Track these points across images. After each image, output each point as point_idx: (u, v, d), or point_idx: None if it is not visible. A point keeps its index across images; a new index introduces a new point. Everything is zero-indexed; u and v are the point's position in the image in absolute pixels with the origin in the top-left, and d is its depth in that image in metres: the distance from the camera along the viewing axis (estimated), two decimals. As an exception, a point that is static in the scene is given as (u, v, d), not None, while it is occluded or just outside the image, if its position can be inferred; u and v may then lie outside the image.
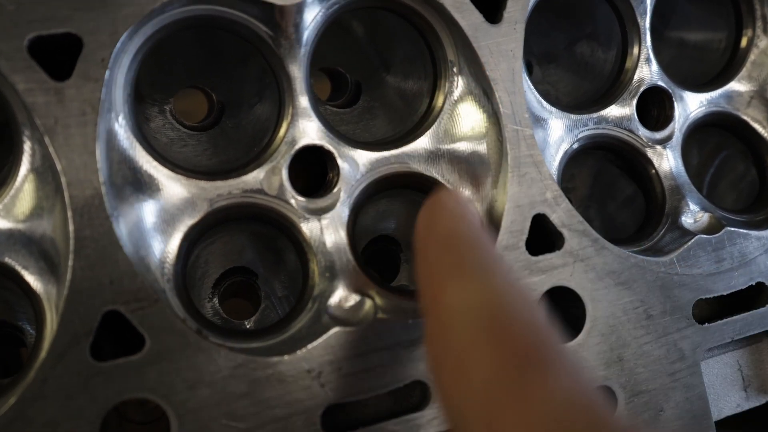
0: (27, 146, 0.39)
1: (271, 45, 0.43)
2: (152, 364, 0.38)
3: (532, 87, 0.49)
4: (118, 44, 0.39)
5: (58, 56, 0.38)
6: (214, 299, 0.49)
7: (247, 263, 0.50)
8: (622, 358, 0.46)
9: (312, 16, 0.43)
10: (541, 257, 0.45)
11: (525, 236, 0.45)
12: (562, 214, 0.46)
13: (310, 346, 0.41)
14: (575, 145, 0.51)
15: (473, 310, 0.30)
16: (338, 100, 0.56)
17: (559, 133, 0.50)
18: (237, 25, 0.42)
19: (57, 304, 0.38)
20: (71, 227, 0.37)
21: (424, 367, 0.42)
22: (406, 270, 0.54)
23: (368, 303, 0.43)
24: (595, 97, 0.54)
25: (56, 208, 0.38)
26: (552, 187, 0.46)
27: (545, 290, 0.45)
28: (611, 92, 0.53)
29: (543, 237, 0.46)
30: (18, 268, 0.40)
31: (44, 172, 0.39)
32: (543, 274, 0.45)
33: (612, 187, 0.57)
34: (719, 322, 0.49)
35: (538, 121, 0.49)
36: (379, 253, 0.54)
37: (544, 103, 0.49)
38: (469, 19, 0.45)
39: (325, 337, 0.41)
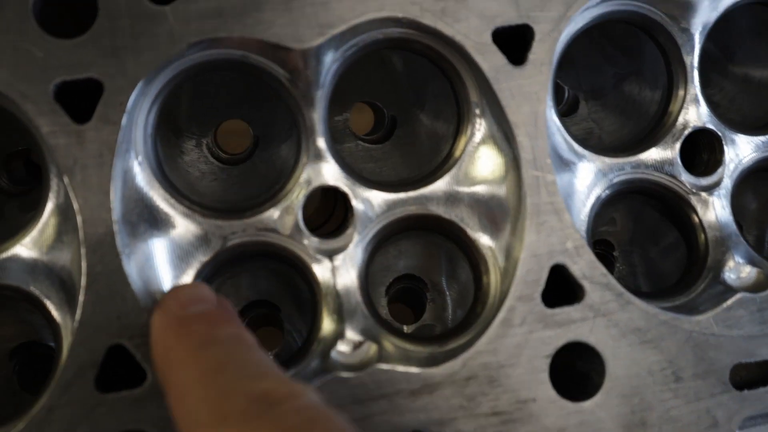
0: (53, 183, 0.41)
1: (288, 87, 0.44)
2: (152, 399, 0.39)
3: (562, 128, 0.47)
4: (137, 89, 0.40)
5: (81, 100, 0.41)
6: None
7: (270, 297, 0.50)
8: (645, 422, 0.44)
9: (329, 59, 0.44)
10: (558, 310, 0.43)
11: (541, 287, 0.43)
12: (584, 266, 0.44)
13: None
14: (609, 190, 0.48)
15: None
16: (375, 135, 0.56)
17: (591, 178, 0.48)
18: (255, 69, 0.43)
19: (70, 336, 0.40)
20: (84, 263, 0.39)
21: (425, 418, 0.41)
22: (432, 308, 0.53)
23: (373, 349, 0.43)
24: (639, 137, 0.51)
25: (74, 244, 0.41)
26: (574, 236, 0.44)
27: (560, 345, 0.43)
28: (653, 134, 0.50)
29: (562, 289, 0.44)
30: (42, 297, 0.42)
31: (66, 209, 0.41)
32: (559, 327, 0.43)
33: (655, 233, 0.54)
34: (761, 389, 0.45)
35: (567, 165, 0.47)
36: (406, 290, 0.53)
37: (576, 145, 0.47)
38: (491, 60, 0.44)
39: (323, 380, 0.41)
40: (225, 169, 0.52)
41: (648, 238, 0.54)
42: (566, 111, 0.57)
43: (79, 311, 0.39)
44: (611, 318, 0.44)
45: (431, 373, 0.42)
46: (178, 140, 0.51)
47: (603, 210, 0.51)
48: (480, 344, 0.42)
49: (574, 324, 0.43)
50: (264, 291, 0.50)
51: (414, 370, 0.42)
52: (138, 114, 0.42)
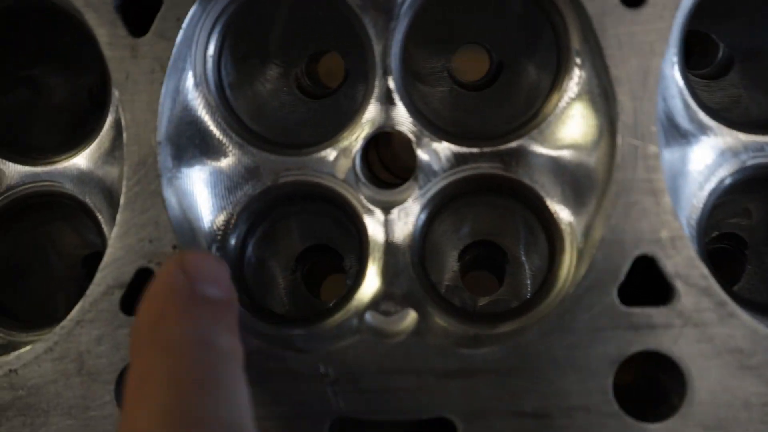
0: (114, 97, 0.41)
1: (360, 14, 0.39)
2: (173, 329, 0.38)
3: (687, 91, 0.38)
4: (195, 5, 0.38)
5: (144, 14, 0.39)
6: (297, 273, 0.48)
7: (331, 243, 0.47)
8: (727, 461, 0.35)
9: (408, -14, 0.38)
10: (637, 309, 0.36)
11: (620, 279, 0.36)
12: (679, 262, 0.36)
13: (331, 348, 0.37)
14: (740, 175, 0.39)
15: None
16: (478, 81, 0.49)
17: (716, 156, 0.39)
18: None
19: (106, 252, 0.39)
20: (124, 181, 0.38)
21: (455, 405, 0.37)
22: (509, 283, 0.47)
23: (411, 317, 0.38)
24: (793, 114, 0.40)
25: (123, 160, 0.40)
26: (672, 225, 0.36)
27: (633, 352, 0.36)
28: (815, 110, 0.39)
29: (648, 286, 0.36)
30: (94, 210, 0.42)
31: (120, 124, 0.40)
32: (634, 331, 0.36)
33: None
34: None
35: (685, 137, 0.38)
36: (482, 258, 0.48)
37: (702, 114, 0.38)
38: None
39: (349, 342, 0.37)
40: (306, 102, 0.48)
41: (790, 239, 0.44)
42: (715, 73, 0.47)
43: (115, 229, 0.38)
44: (706, 331, 0.36)
45: (471, 355, 0.37)
46: (263, 66, 0.49)
47: (732, 197, 0.41)
48: (534, 333, 0.36)
49: (655, 330, 0.36)
50: (323, 236, 0.47)
51: (453, 348, 0.37)
52: (198, 32, 0.40)
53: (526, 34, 0.46)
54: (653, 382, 0.38)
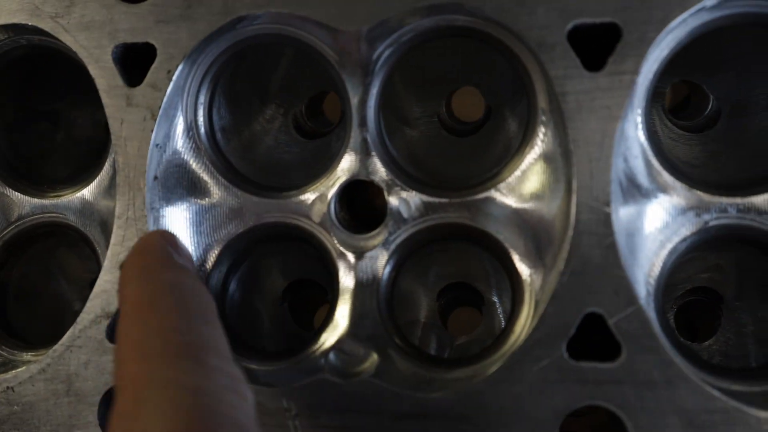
0: (114, 138, 0.44)
1: (336, 69, 0.41)
2: (152, 358, 0.41)
3: (650, 151, 0.39)
4: (184, 60, 0.41)
5: (138, 64, 0.42)
6: (284, 305, 0.50)
7: (315, 278, 0.50)
8: None
9: (382, 44, 0.40)
10: (585, 364, 0.37)
11: (570, 334, 0.37)
12: (628, 320, 0.37)
13: (296, 384, 0.40)
14: (701, 236, 0.39)
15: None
16: (468, 126, 0.51)
17: (676, 216, 0.39)
18: (305, 45, 0.41)
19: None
20: (115, 219, 0.42)
21: (407, 446, 0.38)
22: (485, 323, 0.49)
23: (371, 359, 0.40)
24: (759, 176, 0.40)
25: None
26: (623, 283, 0.37)
27: (580, 406, 0.37)
28: (782, 174, 0.39)
29: (597, 342, 0.37)
30: (93, 242, 0.46)
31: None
32: (582, 385, 0.37)
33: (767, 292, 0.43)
34: None
35: (647, 196, 0.39)
36: (463, 298, 0.49)
37: (665, 174, 0.39)
38: (560, 62, 0.37)
39: (311, 380, 0.39)
40: (300, 143, 0.51)
41: (759, 297, 0.44)
42: (702, 125, 0.47)
43: (105, 262, 0.42)
44: (652, 389, 0.36)
45: (422, 401, 0.38)
46: (262, 107, 0.51)
47: (700, 254, 0.42)
48: (483, 382, 0.38)
49: (602, 386, 0.37)
50: (308, 271, 0.49)
51: (406, 392, 0.38)
52: (189, 83, 0.43)
53: (512, 82, 0.47)
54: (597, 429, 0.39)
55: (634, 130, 0.39)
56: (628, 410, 0.36)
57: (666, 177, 0.39)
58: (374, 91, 0.42)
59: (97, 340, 0.41)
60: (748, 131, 0.45)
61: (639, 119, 0.39)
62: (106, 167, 0.45)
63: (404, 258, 0.43)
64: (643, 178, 0.39)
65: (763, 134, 0.44)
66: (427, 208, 0.42)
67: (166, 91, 0.41)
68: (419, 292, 0.48)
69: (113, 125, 0.42)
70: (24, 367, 0.42)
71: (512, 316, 0.41)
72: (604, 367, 0.37)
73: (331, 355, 0.41)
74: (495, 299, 0.47)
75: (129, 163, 0.42)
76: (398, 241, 0.42)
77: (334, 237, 0.42)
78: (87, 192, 0.46)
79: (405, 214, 0.42)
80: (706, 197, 0.39)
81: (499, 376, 0.37)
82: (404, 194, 0.42)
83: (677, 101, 0.50)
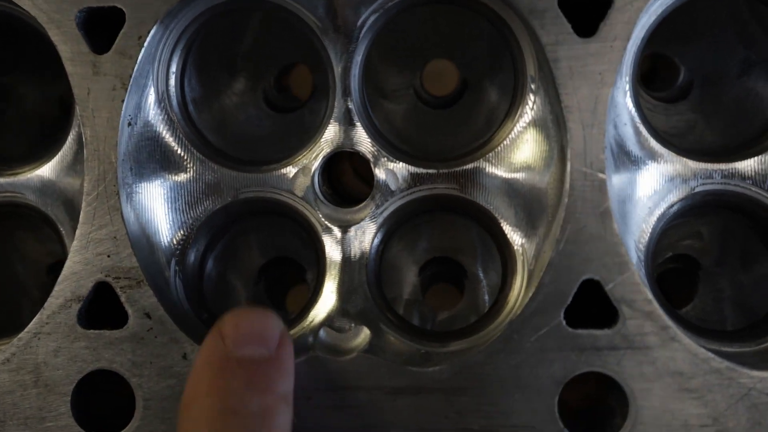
0: (77, 111, 0.41)
1: (320, 36, 0.40)
2: (130, 342, 0.39)
3: (638, 118, 0.39)
4: (157, 24, 0.39)
5: (106, 30, 0.39)
6: (260, 285, 0.48)
7: (293, 255, 0.48)
8: (667, 482, 0.36)
9: (368, 10, 0.39)
10: (582, 332, 0.37)
11: (566, 302, 0.37)
12: (624, 286, 0.37)
13: (285, 364, 0.38)
14: (688, 201, 0.40)
15: None
16: (443, 98, 0.50)
17: (664, 183, 0.40)
18: (285, 12, 0.40)
19: (66, 265, 0.40)
20: (83, 196, 0.39)
21: (403, 422, 0.37)
22: (468, 298, 0.48)
23: (363, 335, 0.39)
24: (745, 141, 0.41)
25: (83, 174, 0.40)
26: (618, 250, 0.37)
27: (577, 373, 0.37)
28: (762, 140, 0.40)
29: (592, 309, 0.37)
30: (56, 222, 0.43)
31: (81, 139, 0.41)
32: (580, 353, 0.37)
33: (746, 256, 0.44)
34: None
35: (636, 164, 0.39)
36: (442, 274, 0.49)
37: (653, 141, 0.39)
38: (552, 28, 0.37)
39: (301, 359, 0.38)
40: (271, 117, 0.49)
41: (739, 262, 0.45)
42: (674, 96, 0.48)
43: (74, 243, 0.39)
44: (648, 354, 0.36)
45: (420, 374, 0.37)
46: (230, 80, 0.49)
47: (684, 220, 0.42)
48: (481, 353, 0.37)
49: (599, 352, 0.37)
50: (286, 248, 0.47)
51: (402, 366, 0.37)
52: (161, 50, 0.40)
53: (490, 54, 0.47)
54: (597, 403, 0.39)
55: (623, 97, 0.39)
56: (625, 376, 0.36)
57: (653, 144, 0.39)
58: (358, 59, 0.40)
59: (68, 326, 0.39)
60: (721, 100, 0.46)
61: (627, 86, 0.39)
62: (69, 142, 0.42)
63: (392, 231, 0.42)
64: (632, 146, 0.39)
65: (737, 102, 0.45)
66: (414, 180, 0.41)
67: (137, 58, 0.39)
68: (404, 266, 0.47)
69: (79, 95, 0.39)
70: (-15, 358, 0.39)
71: (504, 287, 0.40)
72: (602, 333, 0.37)
73: (321, 332, 0.39)
74: (480, 273, 0.46)
75: (98, 136, 0.39)
76: (386, 213, 0.41)
77: (318, 211, 0.41)
78: (47, 169, 0.42)
79: (392, 186, 0.41)
80: (691, 164, 0.40)
81: (497, 346, 0.37)
82: (391, 165, 0.41)
83: (643, 73, 0.51)
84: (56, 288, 0.39)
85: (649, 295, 0.37)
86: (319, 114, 0.48)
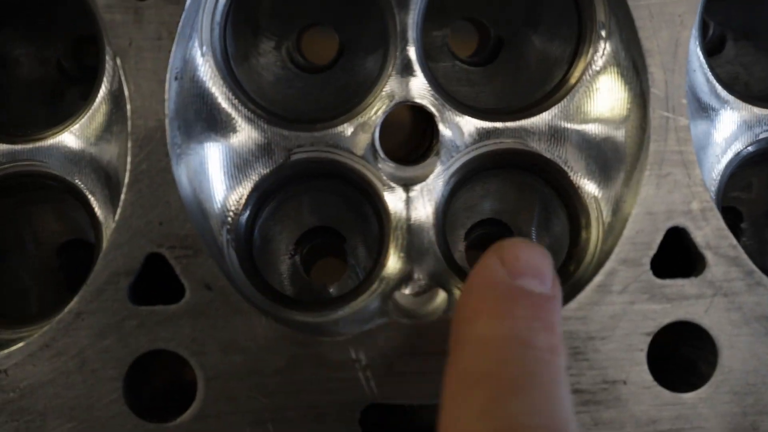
0: (109, 66, 0.37)
1: (380, -18, 0.37)
2: (188, 318, 0.35)
3: (706, 66, 0.39)
4: (206, -34, 0.35)
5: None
6: (296, 257, 0.45)
7: (335, 224, 0.45)
8: (757, 427, 0.36)
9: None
10: (669, 281, 0.36)
11: (652, 252, 0.36)
12: (709, 233, 0.36)
13: (361, 332, 0.35)
14: (753, 147, 0.40)
15: None
16: (477, 56, 0.48)
17: (732, 129, 0.39)
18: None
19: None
20: (129, 158, 0.35)
21: (492, 385, 0.35)
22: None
23: (441, 297, 0.37)
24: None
25: (123, 136, 0.36)
26: (702, 196, 0.36)
27: (666, 323, 0.36)
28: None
29: (678, 257, 0.37)
30: (86, 192, 0.38)
31: (119, 96, 0.37)
32: (668, 302, 0.36)
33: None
34: None
35: (705, 111, 0.39)
36: (488, 237, 0.47)
37: (719, 88, 0.39)
38: (629, -30, 0.36)
39: (379, 325, 0.35)
40: (303, 77, 0.46)
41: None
42: (709, 51, 0.48)
43: (119, 211, 0.35)
44: (734, 300, 0.36)
45: (506, 334, 0.35)
46: (255, 39, 0.46)
47: (740, 171, 0.42)
48: (568, 309, 0.36)
49: (686, 300, 0.36)
50: (329, 217, 0.44)
51: (486, 327, 0.35)
52: (206, -4, 0.36)
53: (527, 6, 0.45)
54: (681, 353, 0.38)
55: (694, 43, 0.38)
56: (713, 324, 0.36)
57: (720, 91, 0.39)
58: (418, 6, 0.38)
59: (117, 303, 0.35)
60: (762, 50, 0.46)
61: (695, 32, 0.38)
62: (99, 101, 0.38)
63: (456, 189, 0.40)
64: (702, 93, 0.39)
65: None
66: (480, 135, 0.39)
67: (184, 4, 0.35)
68: (454, 229, 0.45)
69: (120, 46, 0.35)
70: (21, 344, 0.35)
71: (578, 241, 0.39)
72: (689, 282, 0.36)
73: (397, 297, 0.37)
74: (533, 236, 0.44)
75: (143, 91, 0.35)
76: (452, 170, 0.39)
77: (380, 170, 0.38)
78: (73, 133, 0.38)
79: (458, 141, 0.39)
80: (756, 110, 0.39)
81: (585, 300, 0.36)
82: (456, 119, 0.39)
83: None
84: (100, 262, 0.35)
85: (734, 241, 0.36)
86: (354, 72, 0.46)
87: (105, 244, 0.36)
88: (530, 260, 0.29)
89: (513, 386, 0.25)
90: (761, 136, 0.40)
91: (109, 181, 0.38)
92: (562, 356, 0.27)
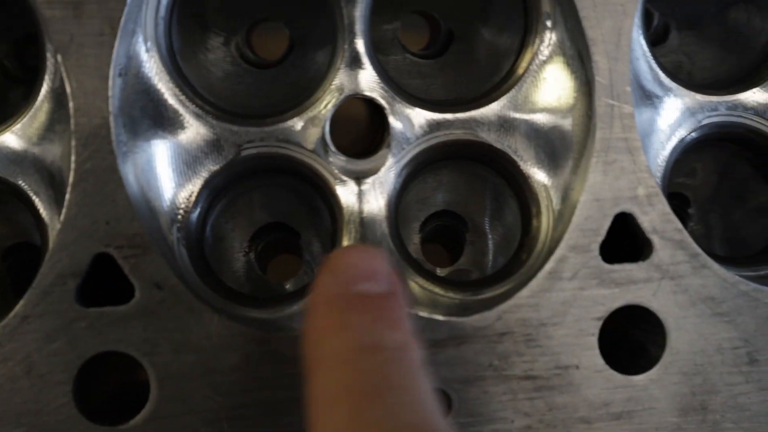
0: (50, 63, 0.36)
1: (326, -25, 0.37)
2: (139, 318, 0.34)
3: (650, 55, 0.39)
4: (147, -41, 0.34)
5: (85, -32, 0.35)
6: (250, 254, 0.45)
7: (288, 220, 0.45)
8: (705, 406, 0.37)
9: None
10: (617, 266, 0.37)
11: (601, 238, 0.37)
12: (655, 218, 0.37)
13: (316, 327, 0.35)
14: (696, 133, 0.41)
15: None
16: (428, 50, 0.48)
17: (676, 116, 0.40)
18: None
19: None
20: (73, 157, 0.34)
21: (448, 374, 0.36)
22: (470, 252, 0.47)
23: (395, 288, 0.37)
24: (739, 75, 0.43)
25: (66, 135, 0.35)
26: (647, 182, 0.37)
27: (616, 307, 0.36)
28: (759, 72, 0.41)
29: (625, 242, 0.37)
30: (30, 193, 0.37)
31: (61, 94, 0.36)
32: (617, 287, 0.37)
33: (743, 190, 0.46)
34: None
35: (649, 98, 0.40)
36: (442, 229, 0.47)
37: (662, 76, 0.40)
38: (571, -40, 0.36)
39: (335, 319, 0.35)
40: (252, 73, 0.45)
41: (733, 196, 0.46)
42: (654, 40, 0.49)
43: (64, 211, 0.34)
44: (681, 282, 0.37)
45: (460, 324, 0.36)
46: (203, 34, 0.45)
47: (684, 157, 0.43)
48: (520, 296, 0.36)
49: (635, 285, 0.37)
50: (282, 212, 0.44)
51: (440, 317, 0.36)
52: (149, -9, 0.36)
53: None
54: (631, 337, 0.39)
55: (636, 32, 0.39)
56: (660, 306, 0.37)
57: (664, 78, 0.40)
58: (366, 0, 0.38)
59: (65, 305, 0.34)
60: (703, 40, 0.47)
61: (638, 21, 0.39)
62: (40, 100, 0.37)
63: (408, 181, 0.40)
64: (646, 81, 0.39)
65: (721, 38, 0.46)
66: (431, 126, 0.39)
67: (126, -1, 0.34)
68: (407, 222, 0.45)
69: (60, 42, 0.34)
70: (-37, 351, 0.34)
71: (529, 230, 0.39)
72: (637, 266, 0.37)
73: (350, 291, 0.37)
74: (486, 227, 0.45)
75: (85, 89, 0.34)
76: (403, 162, 0.39)
77: (331, 164, 0.38)
78: (15, 134, 0.37)
79: (408, 133, 0.39)
80: (699, 97, 0.40)
81: (536, 288, 0.36)
82: (407, 111, 0.39)
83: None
84: (46, 264, 0.34)
85: (679, 225, 0.37)
86: (305, 68, 0.46)
87: (51, 245, 0.35)
88: (360, 264, 0.29)
89: (369, 395, 0.25)
90: (704, 122, 0.41)
91: (53, 181, 0.37)
92: (412, 350, 0.27)
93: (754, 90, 0.40)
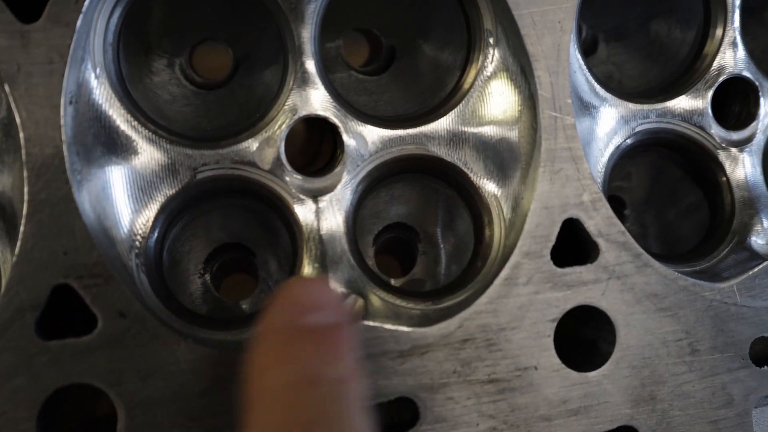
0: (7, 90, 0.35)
1: (276, -2, 0.38)
2: (103, 349, 0.34)
3: (585, 67, 0.42)
4: (95, -14, 0.34)
5: (30, -4, 0.34)
6: (206, 275, 0.45)
7: (243, 240, 0.45)
8: (654, 396, 0.39)
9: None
10: (568, 269, 0.39)
11: (551, 243, 0.38)
12: (600, 222, 0.39)
13: (283, 345, 0.36)
14: (631, 140, 0.43)
15: None
16: (370, 66, 0.50)
17: (611, 124, 0.43)
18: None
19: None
20: (26, 188, 0.34)
21: (414, 382, 0.37)
22: (423, 262, 0.48)
23: (359, 303, 0.38)
24: (666, 84, 0.45)
25: (17, 166, 0.35)
26: (591, 188, 0.39)
27: (569, 309, 0.38)
28: (684, 80, 0.44)
29: (574, 246, 0.39)
30: (-22, 226, 0.36)
31: (9, 124, 0.35)
32: (568, 289, 0.38)
33: (674, 191, 0.49)
34: (782, 366, 0.41)
35: (587, 109, 0.42)
36: (395, 241, 0.48)
37: (597, 87, 0.42)
38: (508, -19, 0.38)
39: (301, 337, 0.36)
40: (199, 94, 0.45)
41: (666, 198, 0.49)
42: (584, 52, 0.51)
43: (18, 244, 0.33)
44: (626, 281, 0.39)
45: (423, 333, 0.37)
46: (147, 57, 0.45)
47: (620, 162, 0.46)
48: (479, 303, 0.38)
49: (585, 286, 0.39)
50: (238, 233, 0.44)
51: (404, 329, 0.37)
52: (96, 17, 0.36)
53: (416, 17, 0.47)
54: (584, 336, 0.41)
55: (573, 46, 0.41)
56: (609, 305, 0.39)
57: (599, 89, 0.42)
58: (315, 20, 0.39)
59: (25, 339, 0.33)
60: (630, 50, 0.50)
61: (574, 36, 0.41)
62: (-13, 131, 0.36)
63: (363, 197, 0.41)
64: (583, 92, 0.42)
65: (645, 48, 0.49)
66: (384, 143, 0.40)
67: (74, 26, 0.34)
68: (362, 235, 0.46)
69: (7, 72, 0.33)
70: None
71: (482, 239, 0.41)
72: (586, 269, 0.39)
73: (314, 307, 0.37)
74: (439, 237, 0.46)
75: (36, 118, 0.34)
76: (358, 179, 0.40)
77: (288, 183, 0.39)
78: (-42, 166, 0.36)
79: (362, 150, 0.40)
80: (631, 105, 0.43)
81: (494, 294, 0.38)
82: (360, 129, 0.40)
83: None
84: (2, 298, 0.33)
85: (622, 227, 0.39)
86: (251, 88, 0.46)
87: (5, 279, 0.34)
88: (307, 296, 0.30)
89: (306, 429, 0.26)
90: (637, 129, 0.43)
91: (3, 213, 0.36)
92: (353, 382, 0.28)
93: (680, 98, 0.43)
